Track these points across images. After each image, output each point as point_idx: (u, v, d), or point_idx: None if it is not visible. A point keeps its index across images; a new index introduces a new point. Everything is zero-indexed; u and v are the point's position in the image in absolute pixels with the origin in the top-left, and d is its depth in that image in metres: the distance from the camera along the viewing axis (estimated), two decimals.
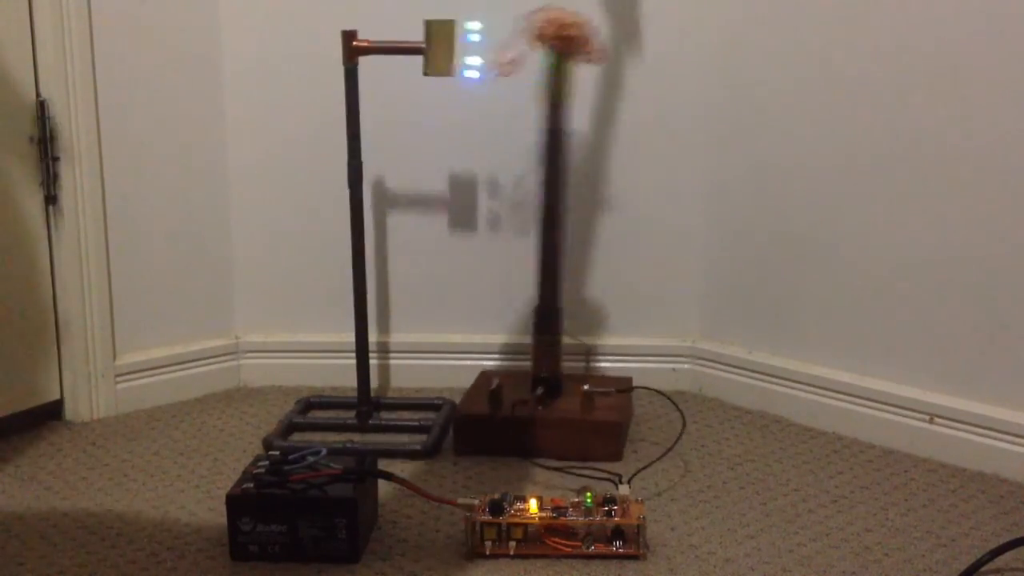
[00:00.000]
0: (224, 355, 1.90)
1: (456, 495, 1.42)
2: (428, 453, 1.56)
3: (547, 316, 1.64)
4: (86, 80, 1.66)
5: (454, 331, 1.89)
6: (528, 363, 1.66)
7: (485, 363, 1.84)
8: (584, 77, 1.70)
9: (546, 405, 1.60)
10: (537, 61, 1.56)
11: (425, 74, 1.54)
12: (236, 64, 1.82)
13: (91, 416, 1.74)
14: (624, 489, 1.35)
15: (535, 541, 1.25)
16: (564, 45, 1.53)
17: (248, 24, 1.81)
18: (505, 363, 1.84)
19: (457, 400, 1.71)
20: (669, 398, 1.69)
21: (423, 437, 1.60)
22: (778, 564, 1.23)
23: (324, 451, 1.30)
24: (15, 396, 1.68)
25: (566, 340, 1.74)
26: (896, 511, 1.38)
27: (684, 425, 1.62)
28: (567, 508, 1.27)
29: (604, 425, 1.56)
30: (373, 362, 1.83)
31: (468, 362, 1.83)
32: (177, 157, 1.79)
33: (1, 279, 1.63)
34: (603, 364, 1.79)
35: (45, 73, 1.63)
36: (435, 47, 1.53)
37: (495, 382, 1.59)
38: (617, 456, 1.55)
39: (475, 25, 1.54)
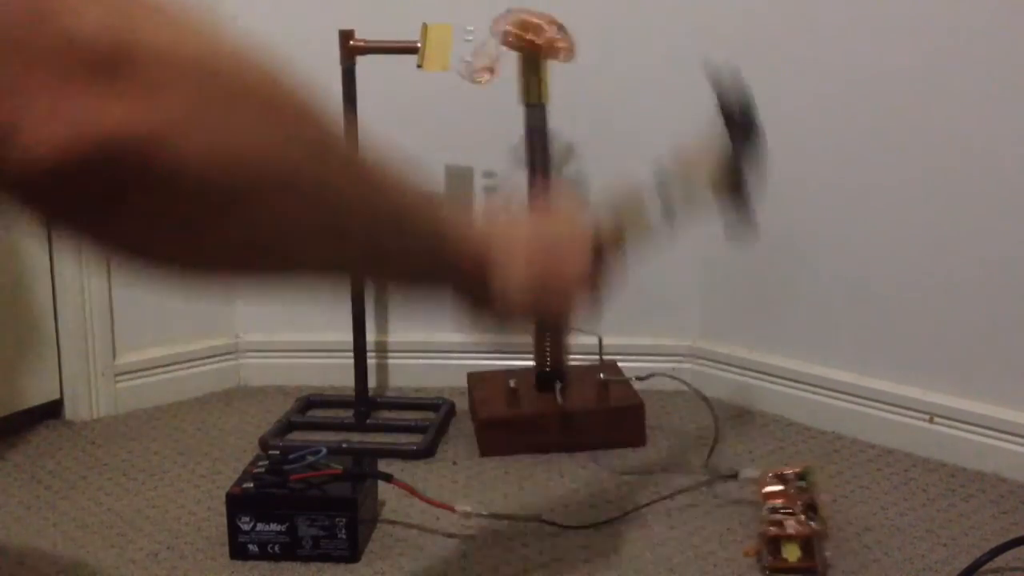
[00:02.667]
0: (224, 354, 1.90)
1: (455, 495, 1.42)
2: (425, 453, 1.56)
3: None
4: None
5: (453, 330, 1.88)
6: (520, 361, 1.67)
7: (484, 362, 1.83)
8: (584, 77, 1.70)
9: (565, 398, 1.62)
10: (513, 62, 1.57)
11: (418, 67, 1.56)
12: None
13: (91, 416, 1.74)
14: (753, 470, 1.39)
15: None
16: (531, 46, 1.54)
17: (248, 24, 1.81)
18: (498, 363, 1.82)
19: (455, 400, 1.72)
20: (706, 400, 1.68)
21: (420, 437, 1.60)
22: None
23: (324, 451, 1.30)
24: (15, 396, 1.68)
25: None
26: (896, 511, 1.38)
27: (717, 427, 1.61)
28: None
29: (628, 411, 1.59)
30: (372, 362, 1.83)
31: (467, 361, 1.83)
32: None
33: (0, 277, 1.63)
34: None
35: None
36: (431, 48, 1.55)
37: (512, 382, 1.61)
38: (642, 441, 1.58)
39: (470, 29, 1.56)
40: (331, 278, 0.72)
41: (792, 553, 1.19)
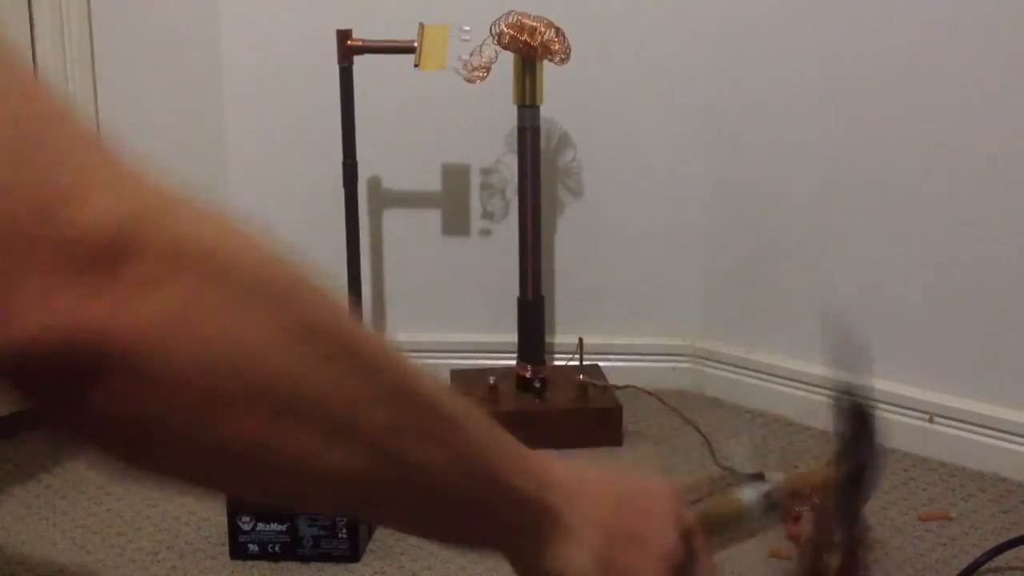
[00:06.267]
0: None
1: None
2: None
3: (527, 308, 1.68)
4: (85, 78, 1.66)
5: (451, 329, 1.89)
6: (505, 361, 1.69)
7: (483, 361, 1.83)
8: (584, 78, 1.71)
9: (542, 398, 1.63)
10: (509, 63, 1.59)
11: (415, 66, 1.56)
12: (235, 63, 1.82)
13: None
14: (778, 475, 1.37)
15: None
16: (527, 49, 1.56)
17: (247, 23, 1.81)
18: (485, 362, 1.82)
19: None
20: (676, 411, 1.68)
21: None
22: (778, 563, 1.23)
23: None
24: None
25: (560, 338, 1.75)
26: (896, 511, 1.38)
27: (702, 432, 1.61)
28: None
29: (605, 412, 1.60)
30: None
31: (466, 361, 1.83)
32: (176, 155, 1.78)
33: None
34: (603, 364, 1.79)
35: (44, 71, 1.63)
36: (428, 48, 1.55)
37: (492, 379, 1.62)
38: (618, 441, 1.59)
39: (467, 29, 1.56)
40: (340, 510, 0.60)
41: (833, 559, 1.20)
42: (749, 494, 0.82)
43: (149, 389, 0.43)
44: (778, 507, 0.85)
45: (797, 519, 0.98)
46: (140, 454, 0.46)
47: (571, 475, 0.66)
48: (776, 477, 0.85)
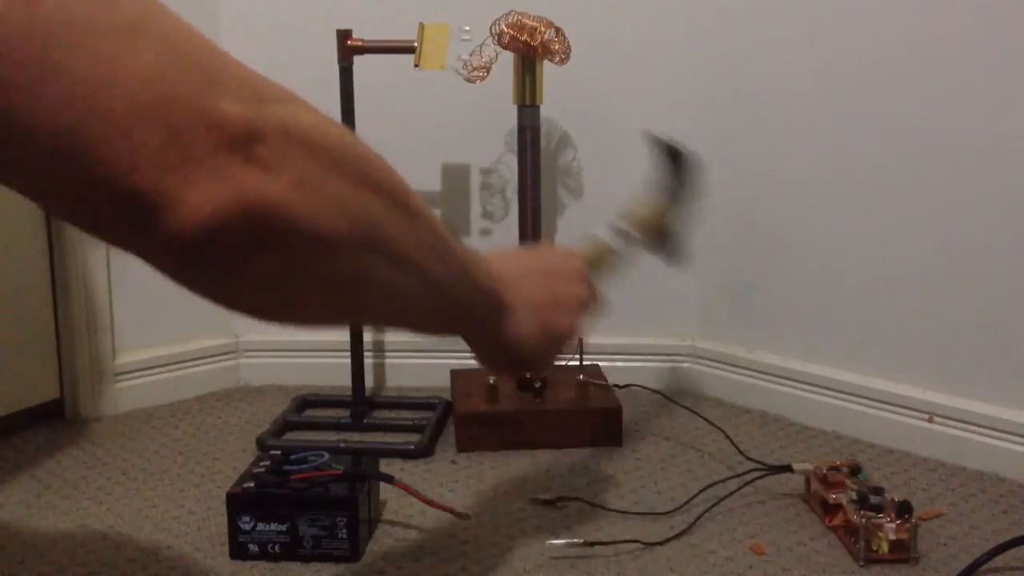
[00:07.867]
0: (223, 354, 1.90)
1: (455, 496, 1.42)
2: (422, 453, 1.56)
3: None
4: None
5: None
6: None
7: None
8: (584, 78, 1.71)
9: (542, 397, 1.64)
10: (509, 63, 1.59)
11: (416, 66, 1.56)
12: None
13: (91, 416, 1.74)
14: (804, 465, 1.41)
15: None
16: (527, 49, 1.56)
17: (247, 23, 1.81)
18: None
19: (452, 400, 1.72)
20: (677, 403, 1.68)
21: (417, 437, 1.60)
22: (778, 564, 1.23)
23: (327, 456, 1.30)
24: (15, 395, 1.68)
25: None
26: None
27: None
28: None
29: (605, 412, 1.60)
30: (369, 361, 1.83)
31: (466, 360, 1.82)
32: None
33: (0, 276, 1.63)
34: (602, 364, 1.79)
35: None
36: (428, 47, 1.56)
37: (491, 379, 1.61)
38: (618, 441, 1.59)
39: (467, 28, 1.57)
40: (391, 323, 0.82)
41: (883, 546, 1.22)
42: (612, 238, 1.19)
43: (296, 243, 0.56)
44: (633, 236, 1.22)
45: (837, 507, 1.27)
46: (285, 300, 0.61)
47: (505, 266, 0.91)
48: (624, 221, 1.22)
